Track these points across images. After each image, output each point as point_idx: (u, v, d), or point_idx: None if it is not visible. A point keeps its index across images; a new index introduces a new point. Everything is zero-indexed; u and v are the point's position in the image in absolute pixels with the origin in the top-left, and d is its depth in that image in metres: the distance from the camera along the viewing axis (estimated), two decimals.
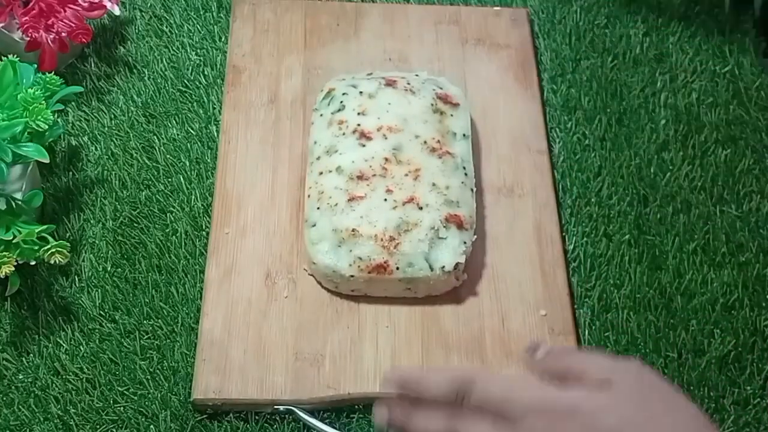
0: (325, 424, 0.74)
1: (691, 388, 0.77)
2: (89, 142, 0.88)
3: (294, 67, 0.92)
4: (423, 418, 0.63)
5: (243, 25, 0.94)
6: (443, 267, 0.76)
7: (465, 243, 0.77)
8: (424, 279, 0.76)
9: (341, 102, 0.83)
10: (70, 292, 0.80)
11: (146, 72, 0.92)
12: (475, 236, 0.78)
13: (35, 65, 0.81)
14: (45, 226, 0.74)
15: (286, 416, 0.74)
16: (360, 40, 0.94)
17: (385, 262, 0.76)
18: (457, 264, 0.76)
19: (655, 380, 0.62)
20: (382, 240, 0.76)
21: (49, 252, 0.73)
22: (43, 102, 0.76)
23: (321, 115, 0.84)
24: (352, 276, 0.76)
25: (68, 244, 0.74)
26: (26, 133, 0.76)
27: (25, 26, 0.83)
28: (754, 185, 0.88)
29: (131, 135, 0.88)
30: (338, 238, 0.76)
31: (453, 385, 0.62)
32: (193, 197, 0.85)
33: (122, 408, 0.75)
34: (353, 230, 0.76)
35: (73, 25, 0.85)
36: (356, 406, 0.75)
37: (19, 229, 0.74)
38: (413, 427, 0.63)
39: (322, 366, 0.75)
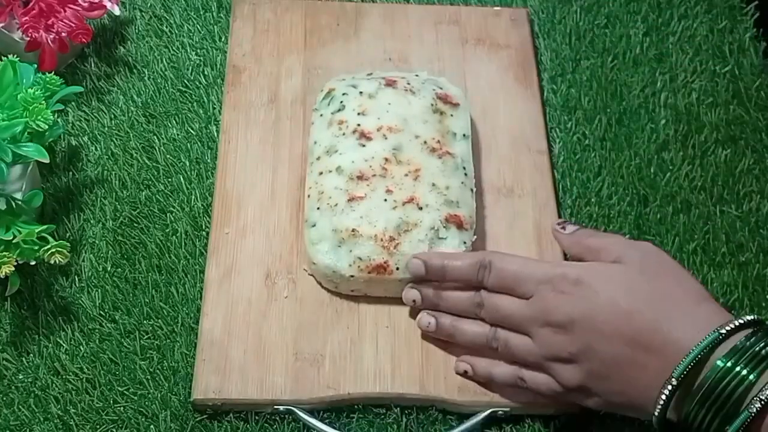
0: (325, 424, 0.74)
1: None
2: (89, 142, 0.88)
3: (294, 67, 0.92)
4: (451, 295, 0.74)
5: (243, 24, 0.94)
6: None
7: (465, 243, 0.77)
8: None
9: (341, 102, 0.83)
10: (70, 292, 0.80)
11: (146, 72, 0.92)
12: (475, 236, 0.78)
13: (35, 65, 0.81)
14: (45, 226, 0.74)
15: (286, 416, 0.74)
16: (360, 40, 0.94)
17: (385, 263, 0.76)
18: None
19: (664, 258, 0.69)
20: (382, 240, 0.76)
21: (49, 252, 0.73)
22: (43, 102, 0.76)
23: (321, 115, 0.84)
24: (352, 276, 0.76)
25: (68, 244, 0.74)
26: (26, 133, 0.76)
27: (25, 26, 0.83)
28: (754, 185, 0.88)
29: (131, 135, 0.88)
30: (338, 239, 0.76)
31: (474, 267, 0.73)
32: (193, 197, 0.85)
33: (122, 408, 0.75)
34: (353, 230, 0.76)
35: (73, 25, 0.85)
36: (356, 406, 0.75)
37: (19, 229, 0.74)
38: (444, 303, 0.75)
39: (322, 366, 0.75)
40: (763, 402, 0.59)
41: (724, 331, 0.62)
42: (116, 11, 0.88)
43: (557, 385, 0.70)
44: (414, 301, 0.76)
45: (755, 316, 0.63)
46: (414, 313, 0.77)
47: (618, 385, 0.66)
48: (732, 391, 0.60)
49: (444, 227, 0.77)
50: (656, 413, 0.63)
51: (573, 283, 0.67)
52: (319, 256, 0.77)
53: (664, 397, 0.63)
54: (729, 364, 0.61)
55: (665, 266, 0.68)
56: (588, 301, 0.66)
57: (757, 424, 0.60)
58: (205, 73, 0.92)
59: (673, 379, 0.62)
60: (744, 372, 0.60)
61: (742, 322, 0.62)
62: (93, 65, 0.92)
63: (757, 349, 0.61)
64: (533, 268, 0.71)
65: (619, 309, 0.65)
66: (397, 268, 0.76)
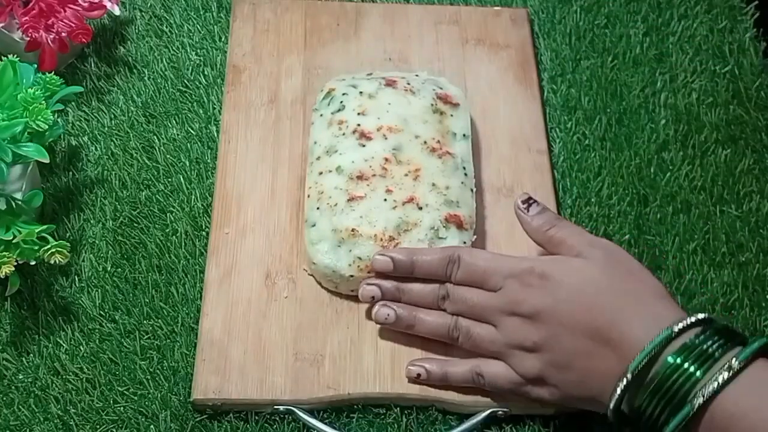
0: (325, 424, 0.74)
1: None
2: (89, 142, 0.88)
3: (294, 66, 0.92)
4: (414, 287, 0.75)
5: (243, 24, 0.94)
6: None
7: (465, 243, 0.77)
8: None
9: (341, 102, 0.83)
10: (70, 292, 0.80)
11: (146, 72, 0.92)
12: (475, 236, 0.78)
13: (35, 65, 0.81)
14: (45, 226, 0.74)
15: (286, 416, 0.74)
16: (360, 40, 0.94)
17: None
18: None
19: (624, 255, 0.71)
20: (381, 240, 0.76)
21: (49, 252, 0.73)
22: (43, 102, 0.76)
23: (321, 115, 0.84)
24: (351, 276, 0.76)
25: (68, 244, 0.74)
26: (26, 133, 0.76)
27: (25, 26, 0.83)
28: (754, 185, 0.88)
29: (131, 135, 0.88)
30: (338, 238, 0.76)
31: (443, 261, 0.75)
32: (193, 197, 0.85)
33: (122, 408, 0.75)
34: (353, 230, 0.76)
35: (73, 25, 0.85)
36: (356, 406, 0.75)
37: (19, 229, 0.74)
38: (406, 296, 0.76)
39: (321, 366, 0.75)
40: (704, 397, 0.62)
41: (676, 329, 0.64)
42: (116, 11, 0.88)
43: (516, 376, 0.71)
44: (373, 297, 0.76)
45: (706, 314, 0.65)
46: (370, 311, 0.77)
47: (576, 375, 0.68)
48: (680, 387, 0.63)
49: (444, 227, 0.77)
50: (611, 405, 0.66)
51: (539, 276, 0.70)
52: (318, 256, 0.77)
53: (619, 390, 0.65)
54: (678, 360, 0.63)
55: (625, 263, 0.70)
56: (552, 294, 0.69)
57: (699, 417, 0.62)
58: (205, 73, 0.92)
59: (629, 374, 0.64)
60: (691, 369, 0.63)
61: (693, 320, 0.65)
62: (93, 65, 0.92)
63: (705, 347, 0.63)
64: (501, 262, 0.73)
65: (581, 302, 0.68)
66: None
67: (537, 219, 0.75)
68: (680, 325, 0.64)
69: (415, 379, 0.75)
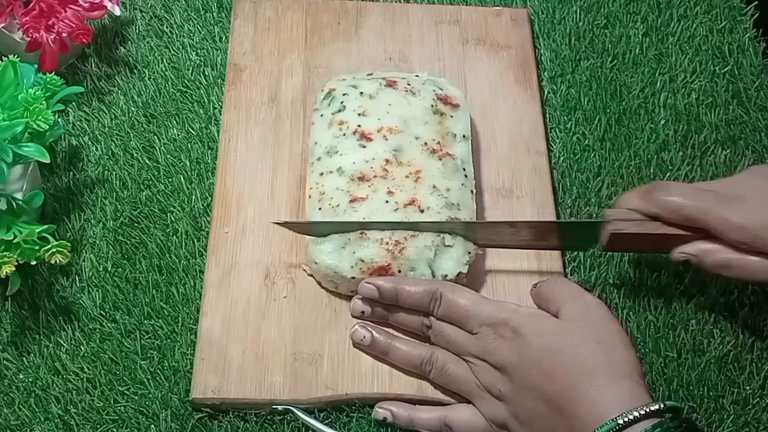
0: (324, 424, 0.74)
1: (691, 387, 0.78)
2: (90, 142, 0.88)
3: (295, 65, 0.92)
4: (401, 315, 0.76)
5: (244, 23, 0.94)
6: (446, 275, 0.76)
7: (469, 253, 0.77)
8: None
9: (341, 102, 0.83)
10: (70, 292, 0.80)
11: (147, 72, 0.92)
12: (480, 251, 0.79)
13: (36, 65, 0.81)
14: (45, 226, 0.74)
15: (285, 416, 0.75)
16: (361, 39, 0.94)
17: (387, 265, 0.76)
18: (459, 273, 0.76)
19: (599, 318, 0.70)
20: (387, 243, 0.76)
21: (50, 252, 0.73)
22: (44, 102, 0.76)
23: (321, 115, 0.84)
24: (353, 278, 0.76)
25: (69, 244, 0.74)
26: (27, 133, 0.76)
27: (26, 26, 0.83)
28: None
29: (132, 135, 0.88)
30: (344, 240, 0.76)
31: (426, 295, 0.75)
32: (193, 197, 0.85)
33: (123, 407, 0.75)
34: (361, 233, 0.76)
35: (74, 25, 0.85)
36: (354, 406, 0.75)
37: (20, 229, 0.74)
38: (393, 318, 0.77)
39: (320, 366, 0.75)
40: None
41: (621, 422, 0.63)
42: (117, 12, 0.88)
43: (484, 426, 0.72)
44: (363, 312, 0.77)
45: (662, 404, 0.64)
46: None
47: None
48: None
49: (450, 234, 0.76)
50: None
51: (512, 331, 0.70)
52: (321, 256, 0.77)
53: None
54: None
55: (598, 328, 0.69)
56: (520, 351, 0.69)
57: None
58: (206, 73, 0.92)
59: None
60: None
61: (643, 412, 0.63)
62: (93, 65, 0.92)
63: None
64: (480, 307, 0.73)
65: (543, 367, 0.68)
66: (399, 272, 0.76)
67: (540, 288, 0.75)
68: (626, 418, 0.63)
69: (382, 422, 0.74)
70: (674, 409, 0.65)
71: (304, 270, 0.80)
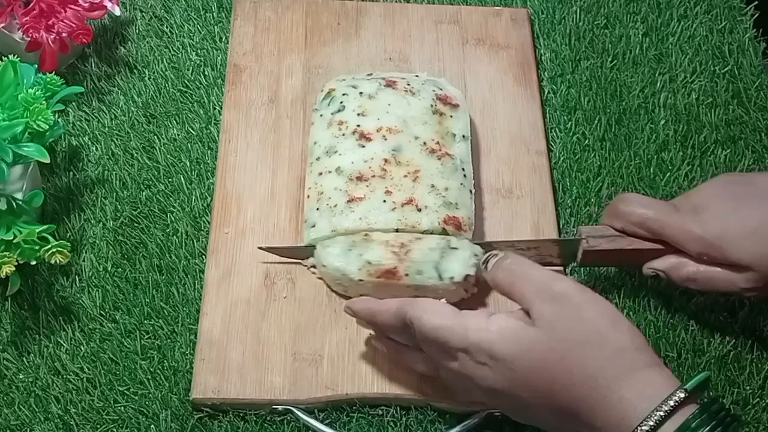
0: (324, 423, 0.74)
1: None
2: (90, 142, 0.88)
3: (295, 66, 0.92)
4: (393, 332, 0.72)
5: (244, 23, 0.94)
6: (452, 277, 0.76)
7: (476, 255, 0.76)
8: (432, 288, 0.76)
9: (341, 102, 0.83)
10: (70, 291, 0.80)
11: (147, 72, 0.92)
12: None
13: (36, 65, 0.81)
14: (45, 226, 0.74)
15: (285, 416, 0.75)
16: (361, 39, 0.94)
17: (394, 268, 0.76)
18: (467, 276, 0.76)
19: (581, 313, 0.64)
20: (393, 245, 0.76)
21: (50, 252, 0.73)
22: (44, 102, 0.76)
23: (321, 115, 0.84)
24: (360, 280, 0.76)
25: (69, 244, 0.74)
26: (27, 134, 0.76)
27: (26, 26, 0.83)
28: None
29: (132, 135, 0.88)
30: (349, 242, 0.76)
31: (398, 318, 0.70)
32: (193, 197, 0.85)
33: (123, 407, 0.75)
34: (365, 234, 0.76)
35: (74, 25, 0.85)
36: (354, 406, 0.75)
37: (20, 229, 0.74)
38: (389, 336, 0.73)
39: (320, 366, 0.75)
40: None
41: (652, 423, 0.59)
42: (117, 12, 0.88)
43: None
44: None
45: (684, 391, 0.60)
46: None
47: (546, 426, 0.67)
48: None
49: (455, 235, 0.76)
50: None
51: (488, 356, 0.64)
52: (329, 258, 0.76)
53: None
54: None
55: (582, 326, 0.63)
56: (506, 376, 0.64)
57: None
58: (206, 73, 0.92)
59: None
60: None
61: (674, 403, 0.59)
62: (93, 65, 0.92)
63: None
64: (449, 334, 0.66)
65: (538, 387, 0.63)
66: (407, 274, 0.75)
67: (492, 270, 0.69)
68: (658, 415, 0.59)
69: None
70: (702, 386, 0.61)
71: (313, 273, 0.79)
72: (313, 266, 0.79)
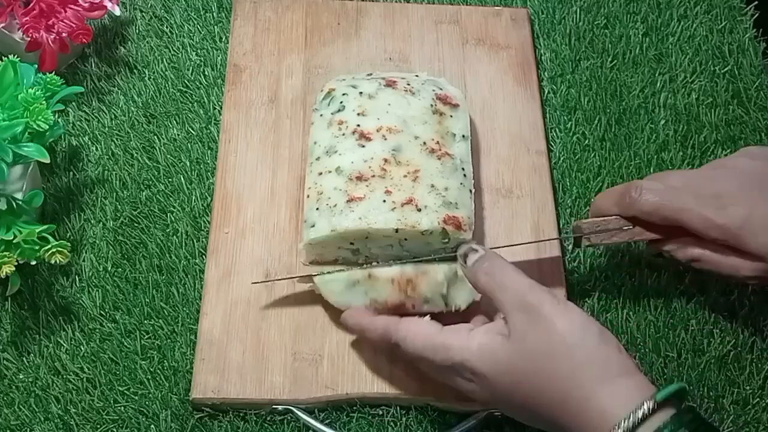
0: (324, 424, 0.74)
1: (691, 387, 0.78)
2: (90, 143, 0.88)
3: (295, 66, 0.92)
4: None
5: (244, 23, 0.94)
6: (459, 307, 0.75)
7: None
8: (439, 312, 0.76)
9: (341, 102, 0.83)
10: (70, 291, 0.80)
11: (147, 72, 0.92)
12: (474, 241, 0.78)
13: (36, 65, 0.81)
14: (45, 226, 0.75)
15: (285, 416, 0.75)
16: (361, 39, 0.94)
17: (401, 303, 0.75)
18: (473, 301, 0.76)
19: (550, 326, 0.64)
20: (399, 283, 0.75)
21: (50, 252, 0.73)
22: (44, 102, 0.76)
23: (321, 115, 0.84)
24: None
25: (69, 244, 0.74)
26: (27, 133, 0.76)
27: (26, 26, 0.83)
28: None
29: (132, 135, 0.88)
30: (351, 279, 0.75)
31: (386, 337, 0.72)
32: (193, 197, 0.85)
33: (123, 407, 0.75)
34: (369, 274, 0.75)
35: (74, 25, 0.85)
36: (354, 407, 0.75)
37: (20, 229, 0.74)
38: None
39: (320, 366, 0.75)
40: None
41: (627, 425, 0.60)
42: (117, 12, 0.88)
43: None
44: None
45: (657, 395, 0.60)
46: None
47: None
48: None
49: (453, 234, 0.76)
50: None
51: (471, 372, 0.66)
52: (333, 297, 0.76)
53: None
54: None
55: (551, 336, 0.64)
56: (488, 390, 0.66)
57: None
58: (206, 73, 0.92)
59: None
60: None
61: (647, 411, 0.60)
62: (93, 65, 0.92)
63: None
64: (432, 355, 0.68)
65: (518, 401, 0.65)
66: (413, 306, 0.75)
67: (472, 270, 0.70)
68: (631, 420, 0.59)
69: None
70: (678, 395, 0.61)
71: (315, 291, 0.78)
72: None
